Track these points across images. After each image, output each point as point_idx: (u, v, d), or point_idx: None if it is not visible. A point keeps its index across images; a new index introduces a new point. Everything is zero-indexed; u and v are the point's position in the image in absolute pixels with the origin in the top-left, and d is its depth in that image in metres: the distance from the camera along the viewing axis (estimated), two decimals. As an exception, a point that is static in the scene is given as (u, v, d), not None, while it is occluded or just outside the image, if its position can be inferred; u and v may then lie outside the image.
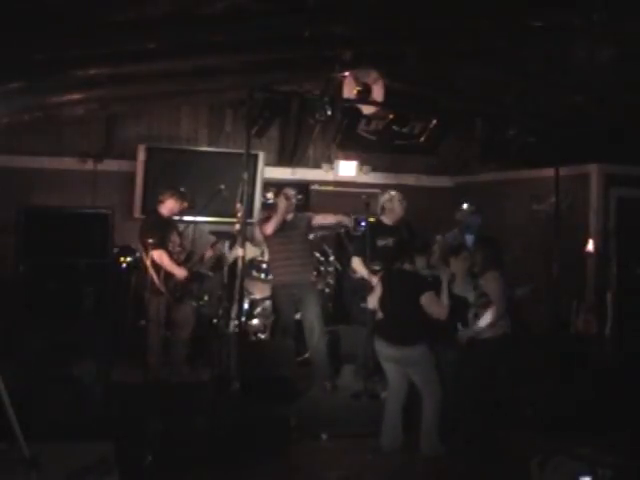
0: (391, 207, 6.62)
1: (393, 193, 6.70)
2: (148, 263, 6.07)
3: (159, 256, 6.19)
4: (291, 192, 6.72)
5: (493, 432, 5.30)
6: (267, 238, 6.74)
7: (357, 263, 6.55)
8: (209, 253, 6.70)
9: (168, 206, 6.48)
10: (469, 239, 7.11)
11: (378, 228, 6.67)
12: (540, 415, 5.50)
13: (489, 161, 8.28)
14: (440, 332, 5.19)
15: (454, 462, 4.98)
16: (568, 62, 5.62)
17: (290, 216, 6.70)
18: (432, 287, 5.14)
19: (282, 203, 6.58)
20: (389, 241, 6.47)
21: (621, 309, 7.02)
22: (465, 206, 7.59)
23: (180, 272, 6.31)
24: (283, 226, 6.59)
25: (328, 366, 6.61)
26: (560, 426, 5.22)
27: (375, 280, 6.28)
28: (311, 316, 6.59)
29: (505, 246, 7.20)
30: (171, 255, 6.34)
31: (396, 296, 5.23)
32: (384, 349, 5.21)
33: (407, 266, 5.21)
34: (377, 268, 6.35)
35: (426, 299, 5.05)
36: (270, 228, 6.56)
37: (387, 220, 6.67)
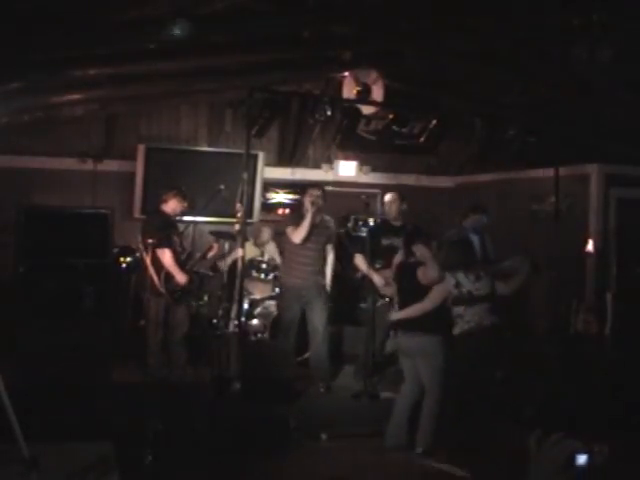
0: (388, 209, 6.69)
1: (386, 194, 6.75)
2: (148, 263, 6.07)
3: (163, 255, 6.15)
4: (316, 193, 6.45)
5: (493, 432, 5.31)
6: (288, 240, 6.56)
7: (360, 260, 6.55)
8: (213, 250, 6.67)
9: (171, 205, 6.47)
10: (474, 239, 7.09)
11: (383, 227, 6.70)
12: (540, 415, 5.50)
13: (489, 161, 8.28)
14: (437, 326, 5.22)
15: (453, 462, 4.97)
16: (568, 62, 5.63)
17: (317, 219, 6.49)
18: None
19: (309, 207, 6.37)
20: (394, 240, 6.49)
21: (621, 309, 7.01)
22: (476, 215, 7.49)
23: (181, 277, 6.26)
24: (310, 230, 6.41)
25: (326, 369, 6.61)
26: (560, 426, 5.21)
27: (376, 278, 6.33)
28: (317, 320, 6.53)
29: (505, 246, 7.22)
30: (176, 256, 6.32)
31: (405, 288, 5.33)
32: (399, 339, 5.29)
33: (412, 259, 5.29)
34: (379, 266, 6.37)
35: (420, 272, 5.16)
36: (299, 237, 6.37)
37: (392, 220, 6.71)
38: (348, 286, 7.71)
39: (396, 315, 5.30)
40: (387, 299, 6.35)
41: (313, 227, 6.43)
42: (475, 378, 5.34)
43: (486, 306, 5.40)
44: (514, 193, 8.55)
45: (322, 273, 6.67)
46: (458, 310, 5.38)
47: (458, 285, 5.34)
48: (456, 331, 5.38)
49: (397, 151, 8.89)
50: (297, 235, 6.39)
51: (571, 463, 1.78)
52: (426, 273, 5.16)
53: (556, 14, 4.98)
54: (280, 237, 8.26)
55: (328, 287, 6.73)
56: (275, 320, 7.23)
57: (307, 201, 6.44)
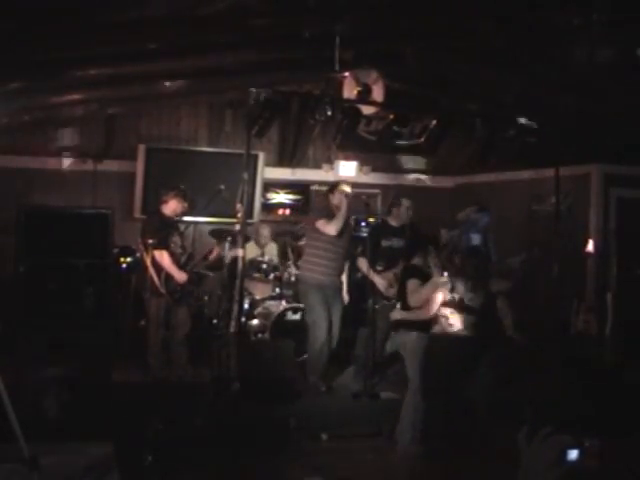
0: (397, 213, 6.66)
1: (402, 199, 6.69)
2: (148, 263, 6.07)
3: (160, 256, 6.17)
4: (349, 190, 6.44)
5: (492, 432, 5.30)
6: (316, 234, 6.46)
7: (362, 262, 6.55)
8: (214, 253, 6.65)
9: (171, 206, 6.47)
10: (475, 238, 7.10)
11: (383, 229, 6.69)
12: (540, 416, 5.49)
13: (489, 161, 8.28)
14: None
15: (453, 462, 4.98)
16: (568, 62, 5.63)
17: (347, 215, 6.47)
18: (423, 278, 5.26)
19: (343, 202, 6.33)
20: (393, 242, 6.49)
21: (621, 309, 7.01)
22: (469, 208, 7.53)
23: (180, 276, 6.28)
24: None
25: (327, 368, 6.61)
26: (560, 427, 5.20)
27: (377, 279, 6.33)
28: (335, 321, 6.53)
29: (505, 246, 7.22)
30: (173, 256, 6.32)
31: (402, 288, 5.41)
32: (395, 336, 5.39)
33: (416, 260, 5.31)
34: (380, 268, 6.37)
35: (408, 285, 5.25)
36: (334, 229, 6.30)
37: (392, 221, 6.69)
38: (349, 286, 7.71)
39: (395, 315, 5.34)
40: (393, 300, 6.33)
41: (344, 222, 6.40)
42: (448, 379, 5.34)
43: (471, 319, 5.39)
44: (514, 193, 8.55)
45: (341, 274, 6.67)
46: (445, 311, 5.38)
47: (453, 290, 5.35)
48: (436, 330, 5.36)
49: (397, 151, 8.89)
50: (333, 226, 6.32)
51: (562, 458, 1.77)
52: (410, 296, 5.21)
53: (556, 14, 4.98)
54: (280, 237, 8.29)
55: (345, 298, 6.73)
56: (276, 321, 7.22)
57: (338, 196, 6.41)
